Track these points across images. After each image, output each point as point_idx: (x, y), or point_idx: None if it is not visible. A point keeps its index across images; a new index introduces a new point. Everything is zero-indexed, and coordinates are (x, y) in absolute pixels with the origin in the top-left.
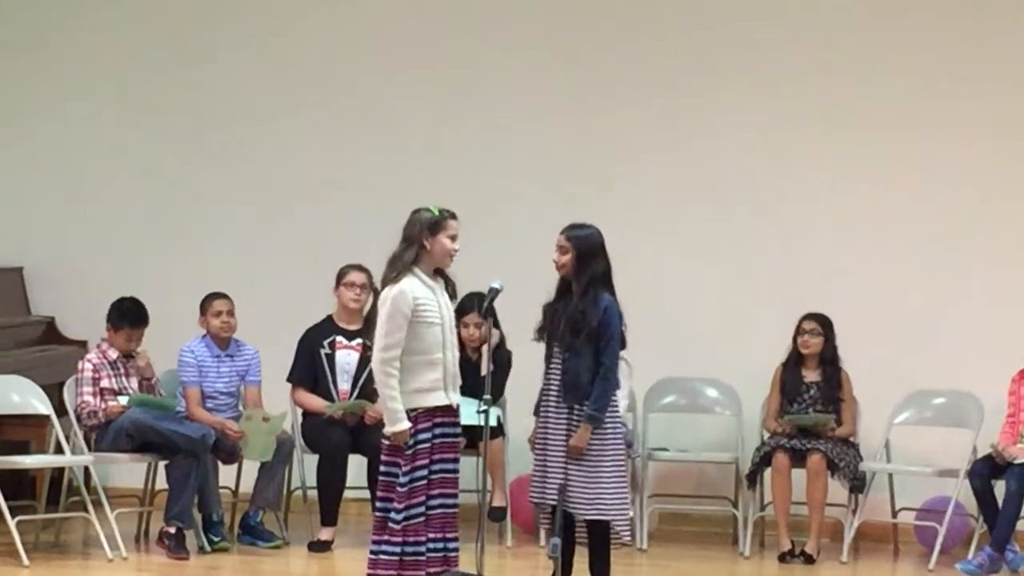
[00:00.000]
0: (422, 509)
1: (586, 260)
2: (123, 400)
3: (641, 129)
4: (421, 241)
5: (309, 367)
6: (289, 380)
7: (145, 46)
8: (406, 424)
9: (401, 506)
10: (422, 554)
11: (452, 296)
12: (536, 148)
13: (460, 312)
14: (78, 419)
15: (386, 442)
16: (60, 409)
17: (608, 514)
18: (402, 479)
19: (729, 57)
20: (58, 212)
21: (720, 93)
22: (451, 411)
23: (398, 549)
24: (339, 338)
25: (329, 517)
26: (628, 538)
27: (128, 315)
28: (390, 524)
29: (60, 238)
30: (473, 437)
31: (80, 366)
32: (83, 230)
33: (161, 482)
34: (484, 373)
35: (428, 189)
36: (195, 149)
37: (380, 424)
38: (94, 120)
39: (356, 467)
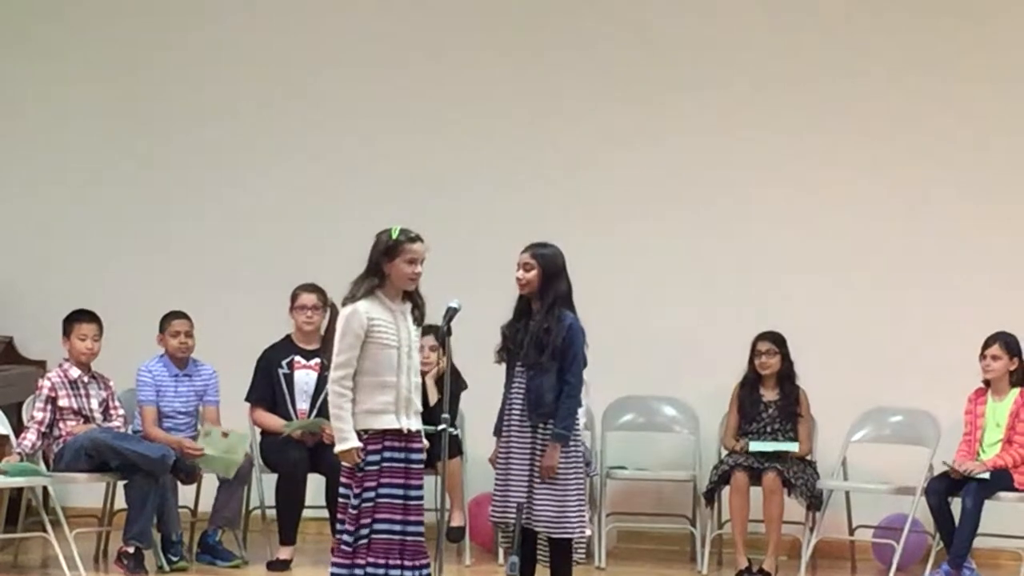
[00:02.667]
0: (367, 532)
1: (551, 279)
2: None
3: (598, 148)
4: (379, 265)
5: (267, 386)
6: (248, 400)
7: (103, 65)
8: (352, 443)
9: (352, 527)
10: None
11: (419, 321)
12: (494, 168)
13: None
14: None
15: (345, 464)
16: (18, 429)
17: (572, 532)
18: (352, 500)
19: (686, 76)
20: (15, 231)
21: (677, 112)
22: (402, 435)
23: (346, 572)
24: (297, 358)
25: (288, 536)
26: (583, 556)
27: (78, 314)
28: (342, 546)
29: (18, 257)
30: (431, 457)
31: (40, 383)
32: (41, 249)
33: (120, 502)
34: (435, 397)
35: (387, 207)
36: (155, 168)
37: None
38: (53, 140)
39: (315, 487)
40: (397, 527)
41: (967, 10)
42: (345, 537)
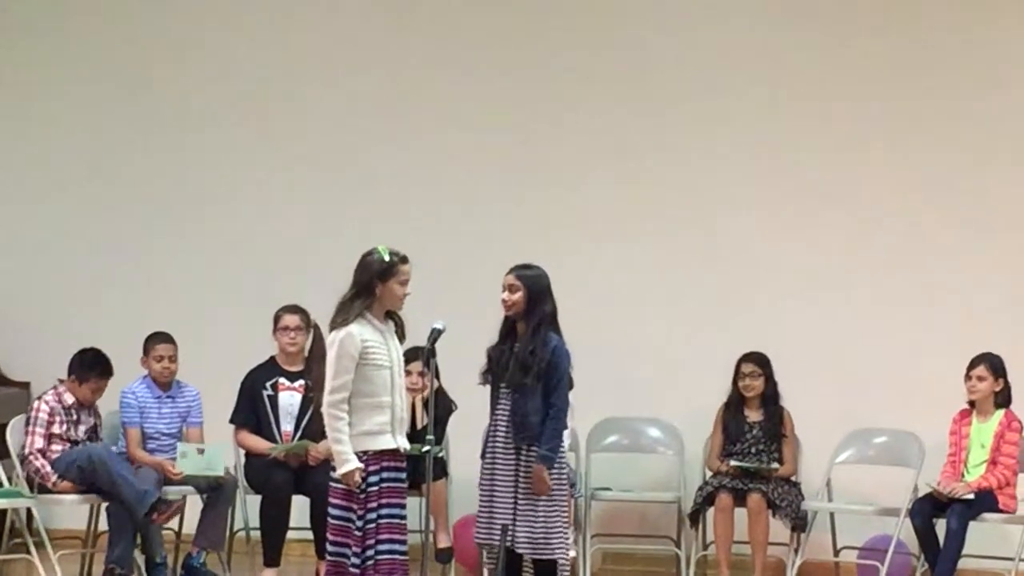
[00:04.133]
0: (372, 553)
1: (536, 300)
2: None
3: (581, 170)
4: (372, 287)
5: (252, 408)
6: (232, 422)
7: (87, 83)
8: (354, 465)
9: (359, 549)
10: None
11: (401, 338)
12: (479, 189)
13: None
14: (22, 461)
15: (340, 486)
16: (2, 451)
17: (556, 553)
18: (357, 522)
19: (666, 99)
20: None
21: (659, 135)
22: (398, 455)
23: None
24: (282, 379)
25: (272, 558)
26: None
27: (95, 366)
28: (350, 568)
29: (1, 279)
30: (416, 478)
31: (35, 406)
32: (24, 271)
33: (104, 524)
34: (424, 420)
35: (372, 228)
36: (136, 188)
37: (324, 464)
38: (32, 161)
39: (300, 508)
40: (399, 546)
41: (962, 34)
42: (354, 560)
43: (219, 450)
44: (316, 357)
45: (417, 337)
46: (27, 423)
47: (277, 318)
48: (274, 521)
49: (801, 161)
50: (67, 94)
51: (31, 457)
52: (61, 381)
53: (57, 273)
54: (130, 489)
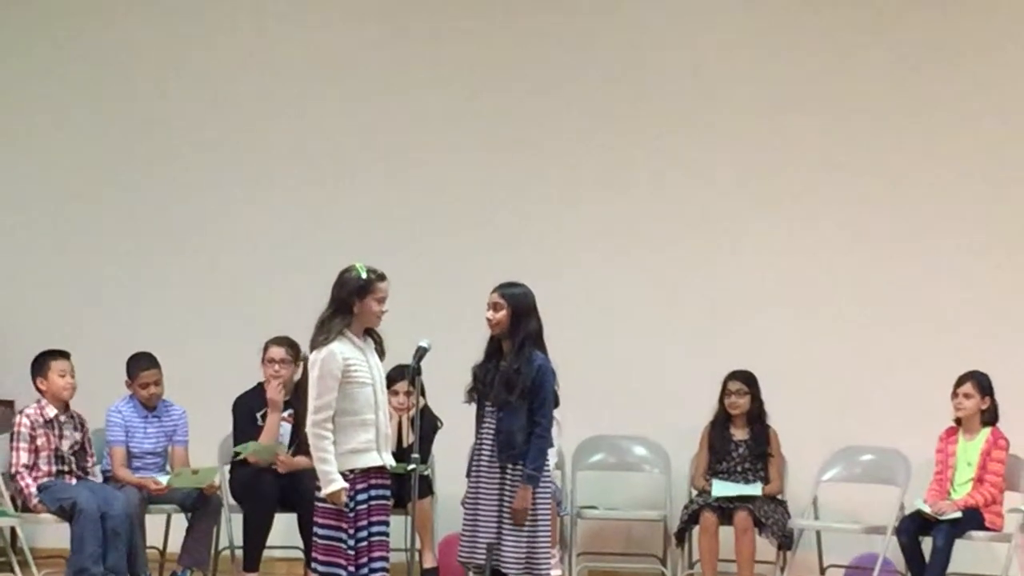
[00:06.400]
0: (366, 571)
1: (521, 318)
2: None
3: (569, 188)
4: (350, 304)
5: (251, 431)
6: (236, 446)
7: (69, 98)
8: (339, 485)
9: (353, 569)
10: None
11: (381, 355)
12: (466, 207)
13: (389, 382)
14: (9, 479)
15: (328, 505)
16: None
17: (541, 573)
18: (348, 541)
19: (662, 111)
20: None
21: (646, 152)
22: (384, 472)
23: None
24: (270, 409)
25: (252, 564)
26: None
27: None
28: None
29: None
30: (401, 496)
31: (17, 420)
32: (10, 289)
33: None
34: (411, 439)
35: (358, 246)
36: (125, 209)
37: (311, 477)
38: (13, 175)
39: (285, 525)
40: (386, 563)
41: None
42: None
43: (212, 473)
44: (304, 391)
45: (403, 355)
46: (11, 439)
47: (264, 348)
48: (257, 528)
49: (789, 183)
50: (60, 111)
51: (17, 476)
52: (42, 394)
53: (37, 290)
54: (77, 556)
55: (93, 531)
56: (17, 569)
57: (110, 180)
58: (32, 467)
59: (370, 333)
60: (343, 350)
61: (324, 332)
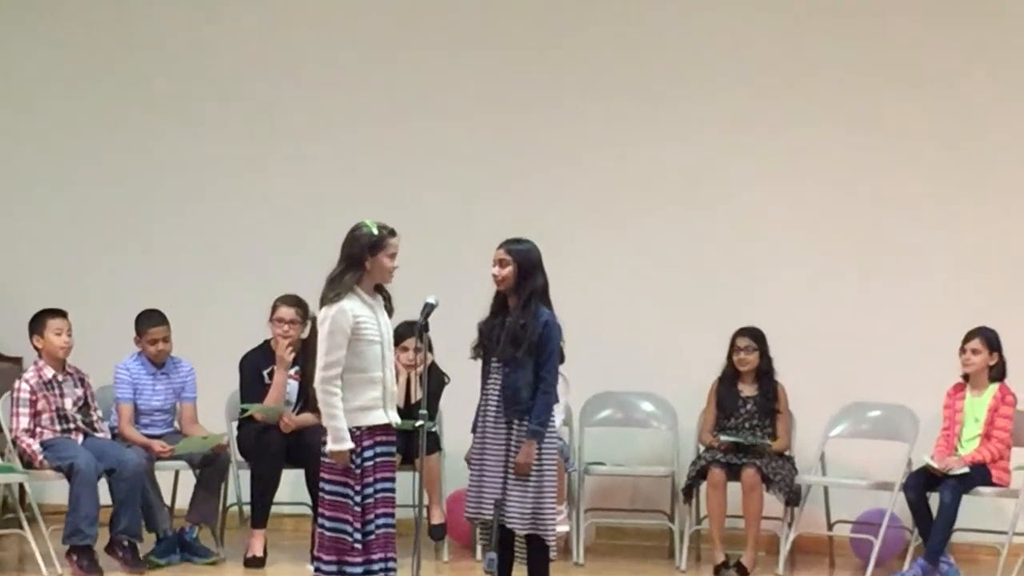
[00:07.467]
0: (372, 528)
1: (527, 274)
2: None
3: (577, 144)
4: (362, 260)
5: (259, 389)
6: (244, 403)
7: (84, 65)
8: (347, 445)
9: (359, 525)
10: (375, 572)
11: (390, 312)
12: (474, 164)
13: (398, 338)
14: (13, 443)
15: (328, 461)
16: None
17: (547, 529)
18: (355, 498)
19: (664, 71)
20: None
21: (655, 108)
22: (390, 430)
23: (360, 569)
24: (278, 367)
25: (260, 519)
26: (555, 554)
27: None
28: (354, 545)
29: None
30: (409, 453)
31: (16, 385)
32: (15, 245)
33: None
34: (419, 395)
35: (366, 204)
36: (132, 168)
37: (317, 434)
38: (23, 134)
39: (291, 483)
40: (391, 520)
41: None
42: (355, 535)
43: (220, 438)
44: (312, 349)
45: (411, 311)
46: (11, 404)
47: (273, 308)
48: (264, 484)
49: (794, 138)
50: (62, 65)
51: (18, 440)
52: (38, 359)
53: (47, 248)
54: (72, 516)
55: (90, 493)
56: (25, 525)
57: (118, 136)
58: (33, 430)
59: (379, 290)
60: (353, 307)
61: (335, 289)
